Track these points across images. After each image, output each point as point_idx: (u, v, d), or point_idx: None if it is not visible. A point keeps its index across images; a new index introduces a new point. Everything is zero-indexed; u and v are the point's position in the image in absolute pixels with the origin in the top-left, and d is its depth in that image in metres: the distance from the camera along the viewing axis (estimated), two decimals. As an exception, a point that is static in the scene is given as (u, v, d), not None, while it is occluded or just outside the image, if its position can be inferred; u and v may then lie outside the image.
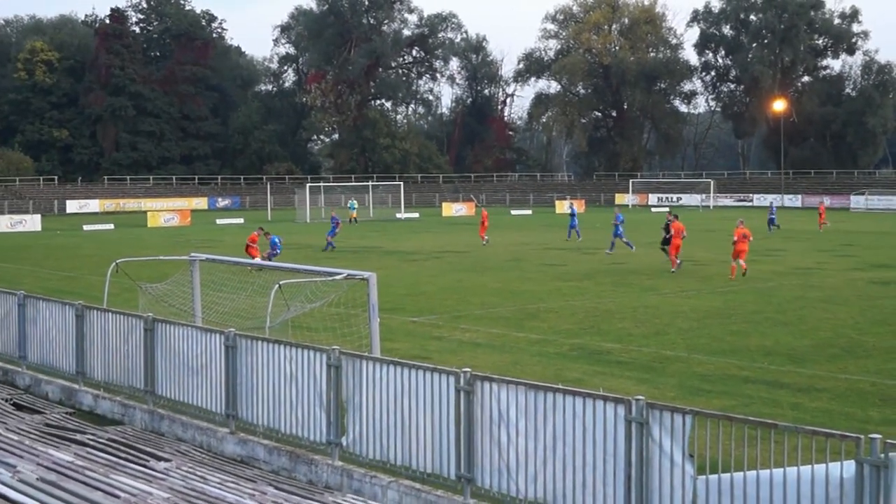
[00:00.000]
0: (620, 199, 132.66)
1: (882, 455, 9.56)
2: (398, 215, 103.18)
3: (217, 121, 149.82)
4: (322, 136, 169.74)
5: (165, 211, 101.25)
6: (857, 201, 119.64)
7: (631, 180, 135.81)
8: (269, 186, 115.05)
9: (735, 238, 42.84)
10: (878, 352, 25.40)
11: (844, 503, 9.78)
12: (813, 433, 10.29)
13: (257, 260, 40.84)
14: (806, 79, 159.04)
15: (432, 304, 35.32)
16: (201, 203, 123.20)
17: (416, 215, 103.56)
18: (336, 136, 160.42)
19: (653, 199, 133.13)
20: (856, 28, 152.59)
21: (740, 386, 21.56)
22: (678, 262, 45.18)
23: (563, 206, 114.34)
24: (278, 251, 47.81)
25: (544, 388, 12.42)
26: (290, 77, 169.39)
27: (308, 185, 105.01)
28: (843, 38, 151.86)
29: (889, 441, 9.64)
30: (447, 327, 29.84)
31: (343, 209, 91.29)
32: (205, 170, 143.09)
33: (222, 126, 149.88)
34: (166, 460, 14.40)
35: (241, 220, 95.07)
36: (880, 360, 24.35)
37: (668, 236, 46.60)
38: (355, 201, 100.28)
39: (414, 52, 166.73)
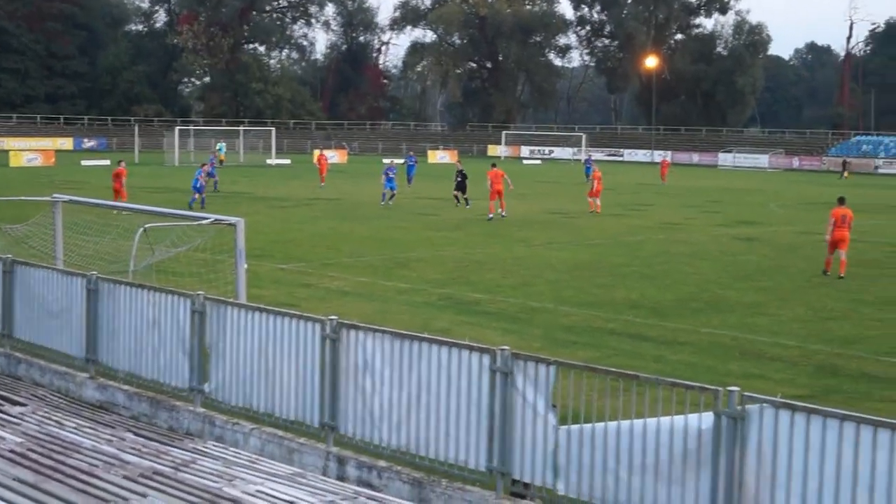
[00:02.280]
0: (493, 150, 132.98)
1: (739, 407, 9.69)
2: (269, 161, 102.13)
3: (85, 60, 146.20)
4: (193, 79, 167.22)
5: (28, 151, 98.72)
6: (725, 159, 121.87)
7: (504, 132, 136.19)
8: (137, 128, 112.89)
9: (594, 178, 52.62)
10: (739, 307, 25.91)
11: (702, 453, 9.91)
12: (673, 385, 10.40)
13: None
14: (679, 36, 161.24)
15: (301, 251, 35.09)
16: (66, 143, 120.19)
17: (288, 161, 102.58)
18: (207, 79, 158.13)
19: (525, 151, 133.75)
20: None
21: (605, 338, 21.81)
22: (492, 213, 47.27)
23: (435, 157, 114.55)
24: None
25: (410, 336, 12.38)
26: (161, 17, 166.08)
27: (177, 128, 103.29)
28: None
29: (746, 394, 9.79)
30: (316, 275, 29.67)
31: (212, 151, 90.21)
32: (71, 110, 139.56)
33: (90, 66, 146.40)
34: (21, 405, 14.07)
35: (108, 162, 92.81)
36: (741, 314, 24.83)
37: (459, 181, 52.78)
38: (224, 144, 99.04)
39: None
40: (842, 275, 30.85)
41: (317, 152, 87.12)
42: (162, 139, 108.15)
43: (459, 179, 52.70)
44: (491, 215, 46.46)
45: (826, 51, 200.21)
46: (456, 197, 52.73)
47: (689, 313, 24.87)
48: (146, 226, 20.22)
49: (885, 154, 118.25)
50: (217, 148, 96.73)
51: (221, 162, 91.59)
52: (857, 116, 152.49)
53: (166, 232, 22.21)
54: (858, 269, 32.92)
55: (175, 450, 12.04)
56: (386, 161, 65.28)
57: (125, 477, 9.76)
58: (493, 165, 49.52)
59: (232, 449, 13.05)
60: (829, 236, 31.65)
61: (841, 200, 32.79)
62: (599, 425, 10.66)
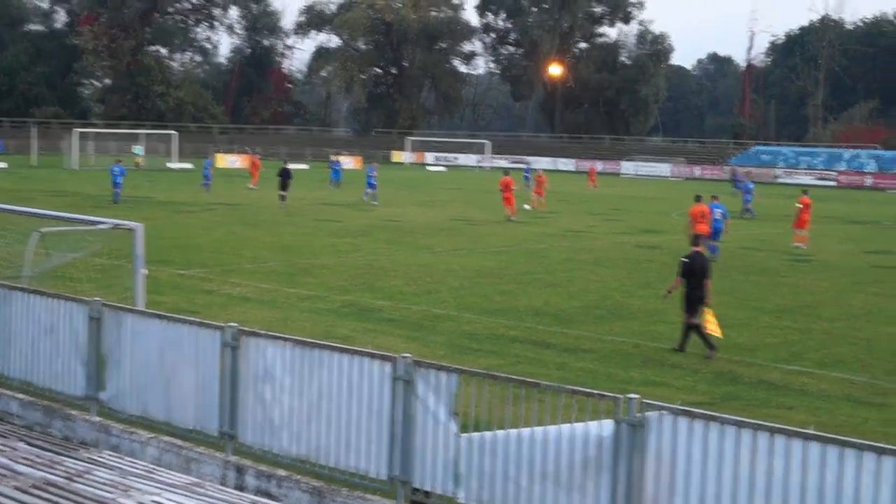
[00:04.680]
0: (397, 156, 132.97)
1: (639, 414, 9.75)
2: (170, 165, 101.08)
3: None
4: (93, 81, 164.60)
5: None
6: (628, 167, 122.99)
7: (408, 138, 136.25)
8: (35, 130, 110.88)
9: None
10: (641, 314, 26.12)
11: (602, 461, 9.95)
12: (574, 392, 10.44)
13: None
14: (583, 45, 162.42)
15: (202, 257, 34.73)
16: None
17: (190, 166, 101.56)
18: (108, 81, 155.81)
19: (430, 157, 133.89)
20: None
21: (508, 345, 21.84)
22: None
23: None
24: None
25: (311, 344, 12.29)
26: (61, 18, 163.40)
27: (77, 130, 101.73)
28: (619, 6, 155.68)
29: (646, 401, 9.85)
30: (217, 281, 29.37)
31: (128, 155, 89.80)
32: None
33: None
34: (-90, 414, 13.71)
35: (5, 165, 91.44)
36: (644, 322, 25.04)
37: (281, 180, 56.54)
38: (140, 147, 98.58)
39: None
40: None
41: (249, 156, 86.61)
42: (61, 142, 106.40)
43: (282, 178, 56.51)
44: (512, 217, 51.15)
45: (727, 61, 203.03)
46: (282, 196, 55.97)
47: (592, 321, 25.03)
48: (42, 230, 19.83)
49: (784, 164, 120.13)
50: (133, 150, 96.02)
51: (137, 164, 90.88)
52: (758, 126, 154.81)
53: (63, 236, 21.82)
54: (758, 278, 33.46)
55: (69, 460, 11.80)
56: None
57: (16, 488, 9.54)
58: (506, 173, 54.80)
59: (128, 458, 12.82)
60: (693, 231, 33.35)
61: (697, 198, 37.11)
62: (501, 433, 10.67)
